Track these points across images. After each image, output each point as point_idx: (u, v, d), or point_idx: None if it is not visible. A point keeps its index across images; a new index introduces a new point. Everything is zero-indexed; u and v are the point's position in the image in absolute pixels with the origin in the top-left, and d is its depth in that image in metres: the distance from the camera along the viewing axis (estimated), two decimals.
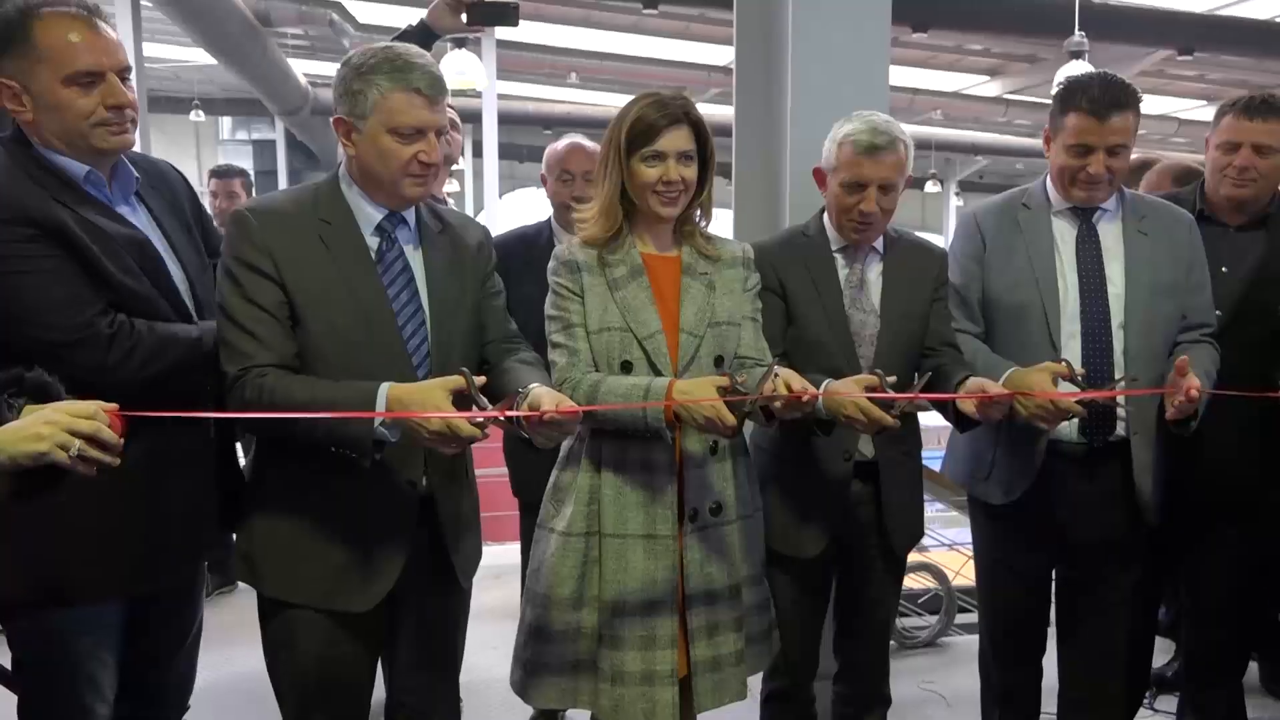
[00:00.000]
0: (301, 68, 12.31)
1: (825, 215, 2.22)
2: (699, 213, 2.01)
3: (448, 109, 3.21)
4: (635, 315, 1.92)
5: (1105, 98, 2.10)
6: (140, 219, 1.78)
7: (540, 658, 1.95)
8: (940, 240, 2.55)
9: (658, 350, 1.91)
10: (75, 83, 1.63)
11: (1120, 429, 2.19)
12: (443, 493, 1.84)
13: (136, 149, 1.81)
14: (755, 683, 2.20)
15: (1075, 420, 2.13)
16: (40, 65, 1.62)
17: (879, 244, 2.21)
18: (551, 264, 1.98)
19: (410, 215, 1.86)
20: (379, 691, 1.95)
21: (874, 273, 2.19)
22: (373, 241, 1.80)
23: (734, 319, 2.01)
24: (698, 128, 1.92)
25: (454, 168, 3.35)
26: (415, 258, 1.84)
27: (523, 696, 2.00)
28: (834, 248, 2.20)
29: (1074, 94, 2.13)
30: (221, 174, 4.37)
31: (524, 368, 1.86)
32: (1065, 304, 2.17)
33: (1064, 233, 2.23)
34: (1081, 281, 2.18)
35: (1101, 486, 2.20)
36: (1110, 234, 2.21)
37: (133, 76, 1.74)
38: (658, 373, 1.90)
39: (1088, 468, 2.20)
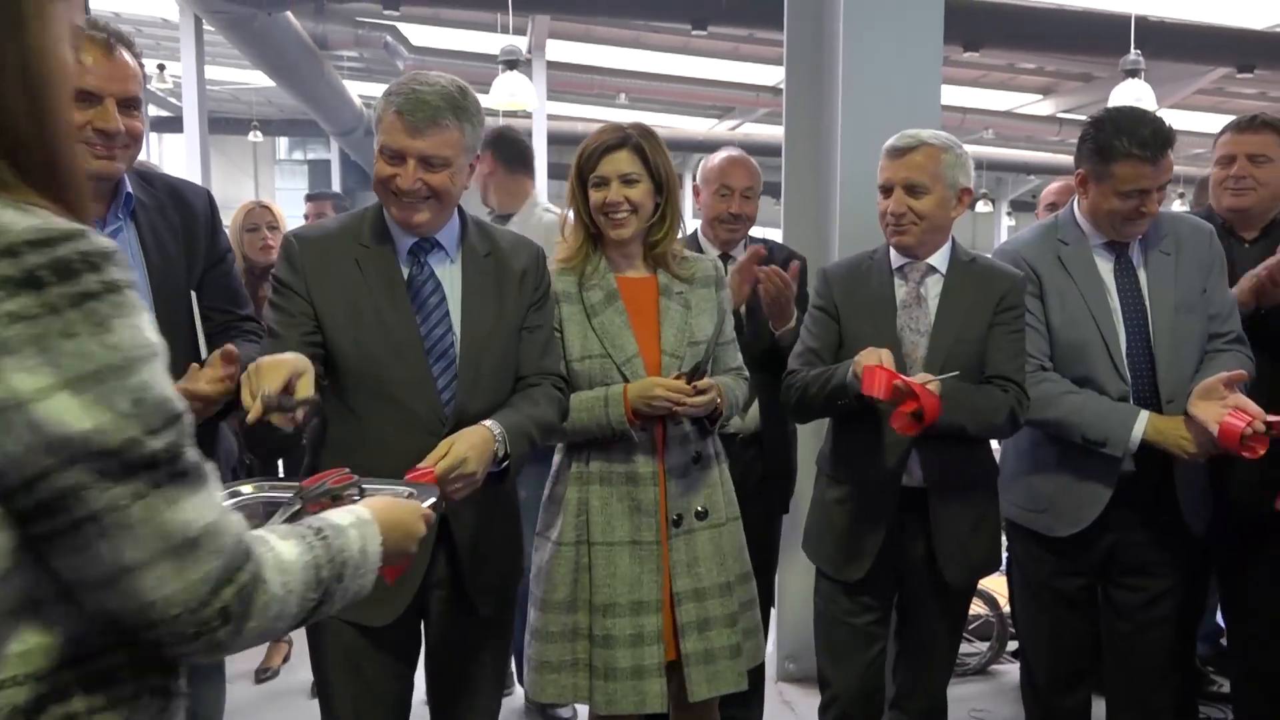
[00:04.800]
0: (357, 89, 12.54)
1: None
2: (669, 241, 2.10)
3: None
4: (612, 340, 2.03)
5: (1156, 140, 2.09)
6: (123, 238, 1.81)
7: (542, 656, 2.07)
8: None
9: (636, 373, 2.01)
10: (73, 99, 1.67)
11: None
12: (460, 517, 1.81)
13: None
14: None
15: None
16: None
17: (940, 262, 2.18)
18: None
19: (450, 239, 1.85)
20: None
21: (933, 293, 2.16)
22: (407, 266, 1.81)
23: (709, 336, 2.12)
24: (641, 151, 2.03)
25: None
26: (453, 283, 1.83)
27: (529, 692, 2.12)
28: (894, 265, 2.20)
29: (1119, 139, 2.10)
30: (315, 198, 4.53)
31: (501, 410, 1.82)
32: (1120, 337, 2.19)
33: (1105, 267, 2.24)
34: (1124, 310, 2.20)
35: (1146, 507, 2.19)
36: (1139, 259, 2.24)
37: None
38: None
39: (1134, 491, 2.18)
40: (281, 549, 0.90)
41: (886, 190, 2.12)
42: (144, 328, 0.79)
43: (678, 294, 2.10)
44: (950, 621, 2.27)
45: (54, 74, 0.82)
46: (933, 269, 2.17)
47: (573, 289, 2.07)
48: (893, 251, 2.20)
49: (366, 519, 1.03)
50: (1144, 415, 2.11)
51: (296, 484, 1.16)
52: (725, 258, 2.70)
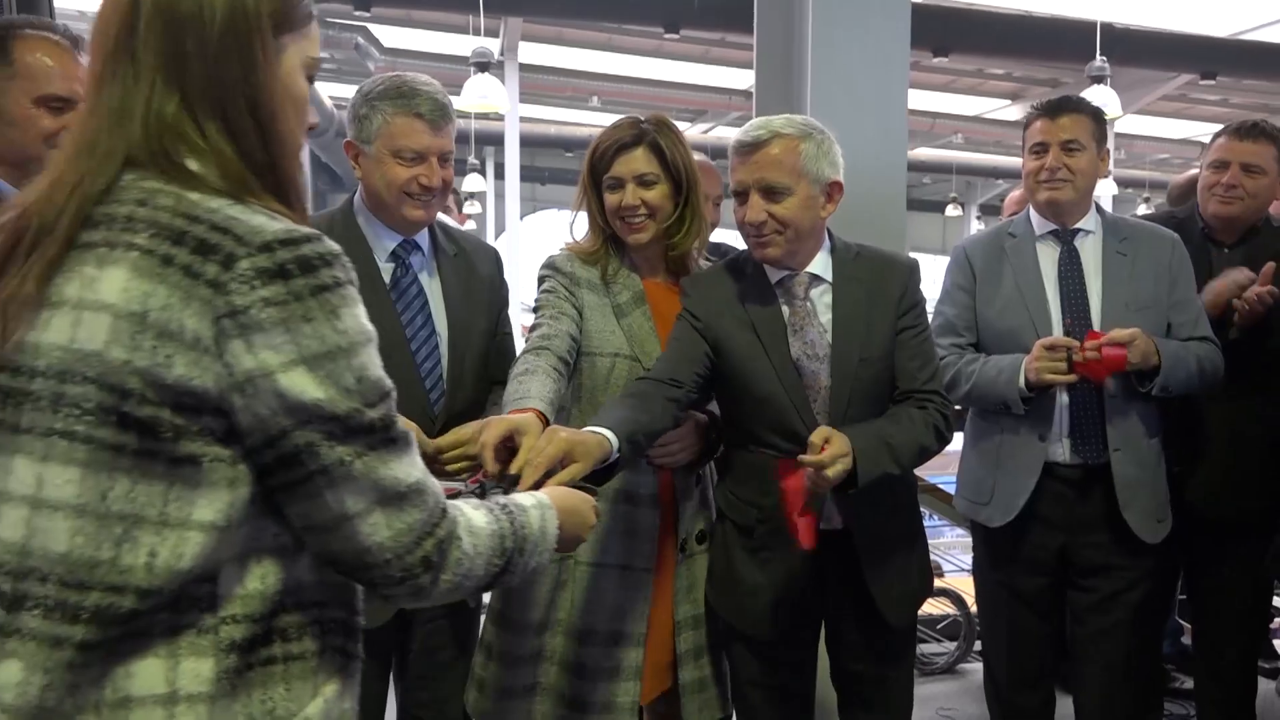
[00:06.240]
0: (327, 91, 12.45)
1: None
2: (691, 244, 1.93)
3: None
4: (641, 345, 1.88)
5: (1056, 102, 2.25)
6: None
7: (501, 680, 1.89)
8: None
9: None
10: (45, 105, 1.64)
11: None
12: None
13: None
14: None
15: (1067, 441, 2.17)
16: (13, 82, 1.64)
17: (823, 268, 1.87)
18: (544, 270, 1.93)
19: (424, 240, 1.88)
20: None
21: (823, 304, 1.87)
22: (387, 268, 1.82)
23: None
24: (659, 150, 1.86)
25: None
26: (431, 284, 1.86)
27: (477, 715, 1.94)
28: (772, 281, 1.88)
29: (1033, 109, 2.29)
30: None
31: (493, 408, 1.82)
32: (1054, 324, 2.20)
33: (1047, 256, 2.26)
34: (1064, 301, 2.21)
35: (1094, 508, 2.19)
36: (1090, 254, 2.25)
37: None
38: None
39: (1082, 489, 2.19)
40: (472, 515, 1.01)
41: (740, 194, 1.80)
42: (363, 317, 0.92)
43: None
44: (900, 664, 2.00)
45: (282, 106, 0.96)
46: (817, 278, 1.87)
47: (596, 280, 1.90)
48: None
49: (547, 503, 1.13)
50: (1023, 363, 2.10)
51: (464, 480, 1.30)
52: None
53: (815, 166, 1.79)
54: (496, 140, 12.26)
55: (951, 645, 3.67)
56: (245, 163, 0.93)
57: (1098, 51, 6.89)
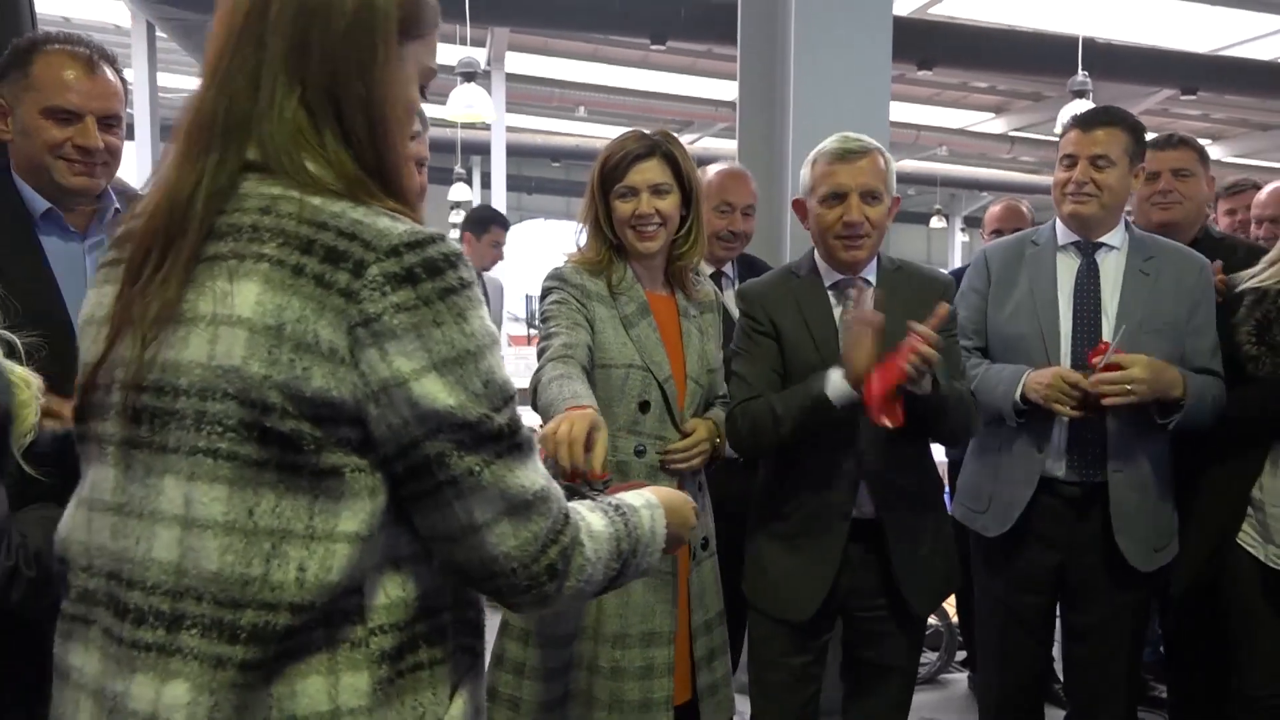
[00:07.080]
0: None
1: (815, 252, 2.08)
2: (695, 257, 1.99)
3: None
4: (650, 356, 1.91)
5: (1092, 114, 2.25)
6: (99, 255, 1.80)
7: (538, 696, 1.90)
8: None
9: (673, 394, 1.92)
10: (52, 116, 1.68)
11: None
12: None
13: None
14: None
15: (1066, 456, 2.16)
16: (28, 93, 1.69)
17: (871, 274, 2.03)
18: (553, 281, 1.95)
19: None
20: None
21: (868, 307, 1.98)
22: None
23: (718, 363, 2.06)
24: (672, 160, 1.91)
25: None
26: None
27: None
28: (826, 284, 2.04)
29: (1071, 120, 2.28)
30: (481, 222, 4.14)
31: None
32: (1062, 335, 2.19)
33: (1066, 266, 2.24)
34: (1076, 314, 2.19)
35: (1092, 529, 2.17)
36: (1112, 270, 2.22)
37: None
38: (670, 416, 1.91)
39: (1080, 509, 2.18)
40: (591, 519, 1.00)
41: (839, 197, 1.94)
42: (487, 319, 0.91)
43: (693, 317, 2.01)
44: (911, 653, 2.14)
45: (394, 109, 0.94)
46: (867, 283, 2.04)
47: (604, 291, 1.93)
48: (822, 267, 2.05)
49: (655, 503, 1.11)
50: (1025, 376, 2.11)
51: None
52: (717, 275, 2.60)
53: (892, 181, 2.00)
54: (483, 150, 12.27)
55: (933, 656, 3.68)
56: (359, 164, 0.92)
57: (1080, 66, 6.95)
